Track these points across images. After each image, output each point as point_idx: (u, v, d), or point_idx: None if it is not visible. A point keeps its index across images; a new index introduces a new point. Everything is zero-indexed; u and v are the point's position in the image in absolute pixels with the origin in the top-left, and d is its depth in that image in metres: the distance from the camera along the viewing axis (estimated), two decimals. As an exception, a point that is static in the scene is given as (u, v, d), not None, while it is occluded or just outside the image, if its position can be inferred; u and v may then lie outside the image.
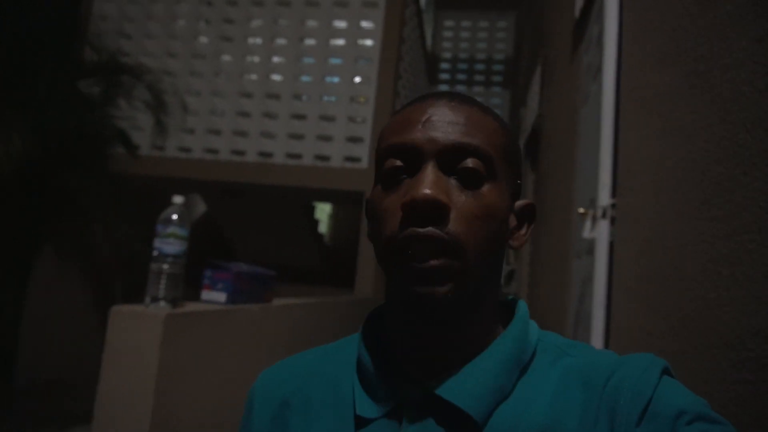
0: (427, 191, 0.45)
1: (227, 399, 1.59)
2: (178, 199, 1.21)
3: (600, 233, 1.64)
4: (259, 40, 4.58)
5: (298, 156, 4.28)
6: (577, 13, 2.55)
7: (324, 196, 5.71)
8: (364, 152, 4.29)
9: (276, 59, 4.51)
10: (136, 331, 1.06)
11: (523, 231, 0.54)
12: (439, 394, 0.47)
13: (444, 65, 8.65)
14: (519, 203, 0.54)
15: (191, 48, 4.69)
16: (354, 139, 4.32)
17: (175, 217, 1.19)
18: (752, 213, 0.84)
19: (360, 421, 0.50)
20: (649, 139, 1.34)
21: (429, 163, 0.47)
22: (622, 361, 0.47)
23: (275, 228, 5.24)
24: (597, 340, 1.63)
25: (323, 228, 7.52)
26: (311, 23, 4.53)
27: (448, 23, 8.69)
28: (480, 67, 8.56)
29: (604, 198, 1.65)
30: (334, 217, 7.95)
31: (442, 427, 0.47)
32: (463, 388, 0.47)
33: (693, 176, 1.06)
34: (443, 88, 8.57)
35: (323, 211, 7.81)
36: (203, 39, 4.71)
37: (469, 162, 0.48)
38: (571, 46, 2.73)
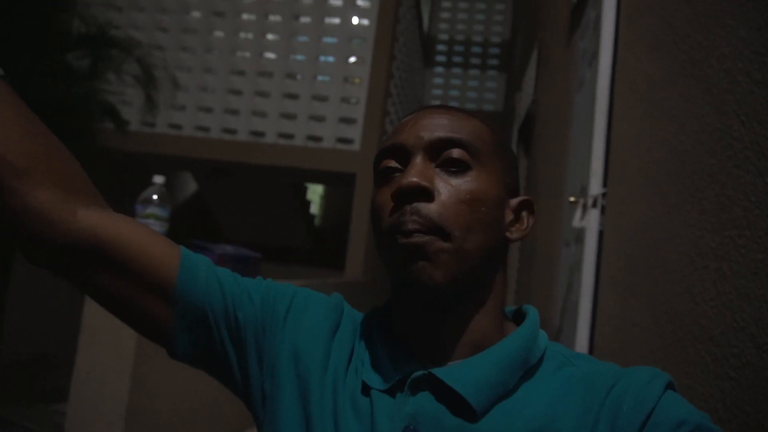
0: (413, 178, 0.49)
1: (204, 379, 1.58)
2: (158, 179, 1.18)
3: (590, 222, 1.63)
4: (252, 17, 4.49)
5: (289, 136, 4.23)
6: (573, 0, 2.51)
7: (315, 177, 5.66)
8: (356, 134, 4.25)
9: (269, 36, 4.43)
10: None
11: (524, 225, 0.55)
12: (442, 378, 0.48)
13: (440, 47, 8.54)
14: (516, 199, 0.56)
15: (182, 22, 4.59)
16: (347, 120, 4.27)
17: (155, 197, 1.16)
18: (743, 207, 0.82)
19: (365, 387, 0.52)
20: (642, 128, 1.32)
21: (417, 156, 0.51)
22: (626, 372, 0.48)
23: (265, 208, 5.21)
24: (583, 328, 1.63)
25: (314, 209, 7.48)
26: (306, 1, 4.44)
27: (446, 4, 8.57)
28: (476, 50, 8.46)
29: (596, 187, 1.64)
30: (326, 198, 7.90)
31: (441, 410, 0.48)
32: (465, 375, 0.49)
33: (684, 167, 1.04)
34: (438, 70, 8.48)
35: (315, 192, 7.77)
36: (195, 13, 4.61)
37: (455, 152, 0.51)
38: (568, 30, 2.69)
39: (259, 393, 0.56)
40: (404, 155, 0.52)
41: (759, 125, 0.81)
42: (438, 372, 0.49)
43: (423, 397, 0.49)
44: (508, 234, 0.54)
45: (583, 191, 1.77)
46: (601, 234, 1.59)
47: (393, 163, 0.53)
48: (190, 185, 5.91)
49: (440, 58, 8.40)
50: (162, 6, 4.62)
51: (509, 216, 0.55)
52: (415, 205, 0.49)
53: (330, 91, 4.36)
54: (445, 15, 8.49)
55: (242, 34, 4.51)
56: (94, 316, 1.08)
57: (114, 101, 4.47)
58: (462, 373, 0.49)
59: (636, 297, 1.25)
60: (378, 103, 4.32)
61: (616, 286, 1.42)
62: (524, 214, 0.56)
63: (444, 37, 8.45)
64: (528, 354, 0.51)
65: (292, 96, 4.31)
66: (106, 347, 1.06)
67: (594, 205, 1.60)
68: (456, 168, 0.51)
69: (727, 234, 0.85)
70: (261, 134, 4.26)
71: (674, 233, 1.06)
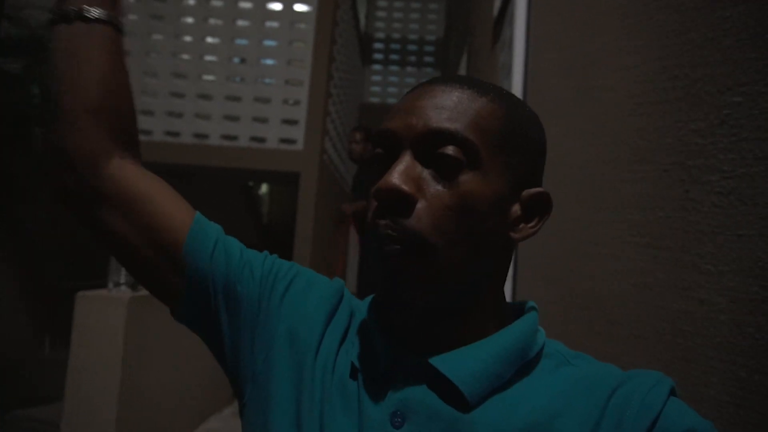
0: (392, 180, 0.44)
1: (191, 374, 1.73)
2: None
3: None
4: (191, 20, 4.53)
5: (233, 137, 4.33)
6: (495, 11, 2.77)
7: (260, 176, 5.76)
8: (299, 134, 4.40)
9: (210, 40, 4.50)
10: (102, 314, 1.18)
11: (531, 223, 0.50)
12: (435, 366, 0.46)
13: (377, 45, 8.76)
14: (529, 191, 0.50)
15: (119, 24, 4.57)
16: (290, 122, 4.41)
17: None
18: (611, 207, 1.10)
19: (353, 369, 0.50)
20: (556, 139, 1.59)
21: (405, 151, 0.46)
22: (629, 375, 0.46)
23: (213, 207, 5.25)
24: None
25: (261, 207, 7.55)
26: (245, 4, 4.53)
27: (381, 3, 8.78)
28: (413, 48, 8.74)
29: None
30: (272, 197, 7.97)
31: (432, 398, 0.46)
32: (459, 364, 0.46)
33: (588, 173, 1.31)
34: (377, 68, 8.70)
35: (262, 191, 7.82)
36: (132, 16, 4.59)
37: (448, 149, 0.45)
38: (491, 41, 2.96)
39: (248, 370, 0.54)
40: (393, 144, 0.48)
41: (620, 145, 1.08)
42: (431, 360, 0.47)
43: (414, 383, 0.47)
44: (512, 234, 0.49)
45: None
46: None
47: (381, 152, 0.49)
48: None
49: (378, 56, 8.62)
50: (97, 8, 4.58)
51: (516, 213, 0.49)
52: (386, 222, 0.44)
53: (272, 92, 4.48)
54: (381, 14, 8.71)
55: (183, 38, 4.55)
56: (84, 317, 1.22)
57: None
58: (456, 361, 0.46)
59: (549, 281, 1.52)
60: (319, 104, 4.49)
61: (534, 273, 1.69)
62: (536, 209, 0.51)
63: (381, 35, 8.68)
64: (525, 348, 0.48)
65: (235, 98, 4.41)
66: (96, 346, 1.20)
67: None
68: (448, 167, 0.46)
69: (618, 227, 1.12)
70: (205, 136, 4.33)
71: (579, 224, 1.33)
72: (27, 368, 3.15)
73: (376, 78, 8.71)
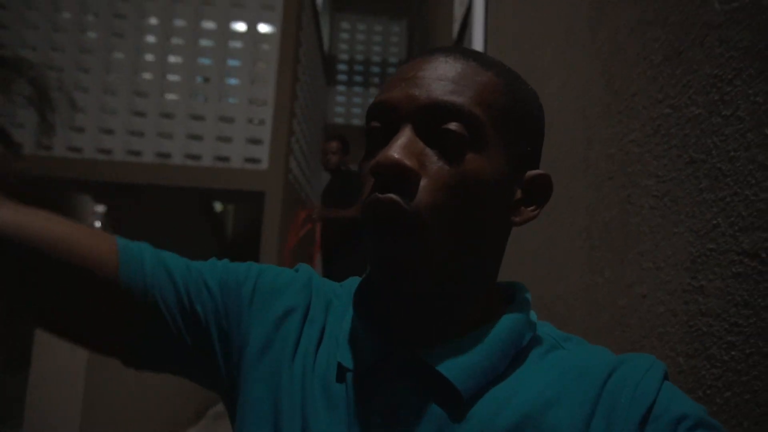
0: (393, 155, 0.41)
1: (161, 384, 1.70)
2: (100, 208, 1.33)
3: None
4: (153, 38, 4.52)
5: (197, 157, 4.31)
6: (454, 34, 2.89)
7: (224, 196, 5.72)
8: (263, 153, 4.42)
9: (172, 59, 4.49)
10: None
11: (531, 207, 0.48)
12: (428, 361, 0.44)
13: (341, 66, 8.88)
14: (531, 173, 0.48)
15: (78, 42, 4.52)
16: (254, 141, 4.43)
17: (97, 224, 1.31)
18: (559, 211, 1.17)
19: (340, 368, 0.47)
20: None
21: (405, 126, 0.43)
22: (621, 359, 0.45)
23: (174, 226, 5.18)
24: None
25: (223, 227, 7.46)
26: (208, 24, 4.56)
27: (344, 25, 8.94)
28: (376, 69, 8.90)
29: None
30: (235, 215, 7.90)
31: (425, 395, 0.44)
32: (453, 359, 0.44)
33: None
34: (341, 89, 8.82)
35: (224, 210, 7.74)
36: (92, 33, 4.55)
37: (451, 125, 0.42)
38: (452, 63, 3.06)
39: (227, 382, 0.51)
40: (392, 116, 0.44)
41: (567, 154, 1.16)
42: (423, 355, 0.44)
43: (405, 379, 0.45)
44: (513, 217, 0.47)
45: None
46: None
47: (377, 125, 0.45)
48: (87, 209, 5.73)
49: (342, 77, 8.75)
50: (56, 25, 4.52)
51: (517, 195, 0.47)
52: (389, 196, 0.41)
53: (236, 112, 4.49)
54: (344, 36, 8.87)
55: (144, 55, 4.53)
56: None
57: (3, 123, 4.28)
58: (450, 357, 0.44)
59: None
60: (284, 123, 4.53)
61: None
62: (536, 192, 0.48)
63: (344, 57, 8.81)
64: (519, 337, 0.46)
65: (199, 117, 4.40)
66: (60, 353, 1.19)
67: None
68: (451, 144, 0.43)
69: (569, 230, 1.19)
70: (168, 155, 4.30)
71: (526, 228, 1.40)
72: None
73: (341, 99, 8.82)
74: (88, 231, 0.48)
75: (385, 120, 0.45)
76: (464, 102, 0.43)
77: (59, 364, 1.18)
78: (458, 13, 2.84)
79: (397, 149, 0.41)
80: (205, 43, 4.52)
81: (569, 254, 1.13)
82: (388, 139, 0.44)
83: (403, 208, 0.41)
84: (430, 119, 0.43)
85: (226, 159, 4.35)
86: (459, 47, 0.48)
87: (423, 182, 0.42)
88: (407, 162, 0.41)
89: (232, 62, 4.55)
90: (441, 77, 0.44)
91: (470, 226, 0.44)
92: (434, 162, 0.43)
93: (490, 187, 0.44)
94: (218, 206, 7.50)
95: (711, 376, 0.67)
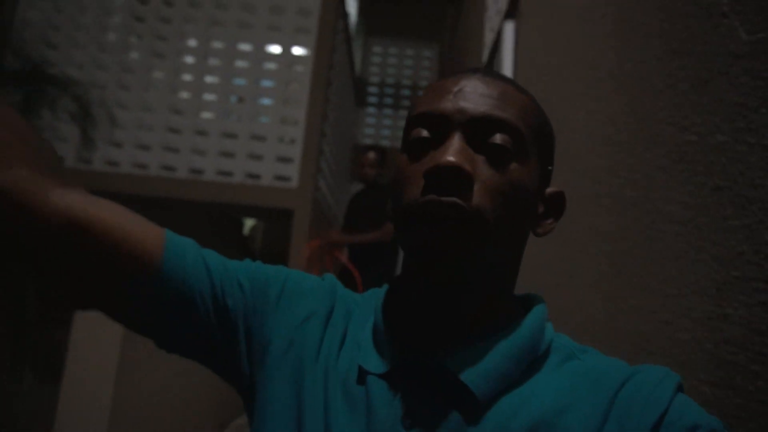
0: (451, 158, 0.43)
1: (188, 392, 1.74)
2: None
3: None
4: (192, 59, 4.68)
5: (228, 173, 4.41)
6: (484, 58, 2.92)
7: (254, 213, 5.82)
8: (293, 172, 4.50)
9: (208, 79, 4.63)
10: (100, 329, 1.21)
11: (549, 221, 0.52)
12: (447, 366, 0.45)
13: (372, 89, 9.02)
14: (549, 190, 0.52)
15: (121, 62, 4.72)
16: (284, 159, 4.51)
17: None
18: (583, 239, 1.17)
19: (361, 371, 0.49)
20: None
21: (456, 133, 0.46)
22: (636, 369, 0.46)
23: (204, 241, 5.28)
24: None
25: (253, 243, 7.58)
26: (244, 46, 4.70)
27: (377, 49, 9.09)
28: (406, 92, 9.00)
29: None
30: (264, 233, 8.02)
31: (441, 400, 0.45)
32: (471, 365, 0.45)
33: (568, 212, 1.39)
34: (371, 110, 8.93)
35: (254, 227, 7.86)
36: (134, 54, 4.74)
37: (498, 138, 0.46)
38: (481, 87, 3.09)
39: (247, 380, 0.54)
40: (442, 126, 0.46)
41: (591, 181, 1.16)
42: (442, 359, 0.46)
43: (424, 384, 0.46)
44: (537, 229, 0.51)
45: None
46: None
47: (425, 133, 0.47)
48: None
49: (372, 100, 8.87)
50: (101, 45, 4.73)
51: (540, 208, 0.51)
52: (452, 199, 0.43)
53: (267, 131, 4.59)
54: (375, 59, 9.02)
55: (181, 75, 4.69)
56: (81, 333, 1.25)
57: (49, 138, 4.47)
58: (468, 362, 0.45)
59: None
60: (314, 143, 4.61)
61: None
62: (554, 208, 0.52)
63: (375, 79, 8.95)
64: (535, 345, 0.48)
65: (231, 135, 4.51)
66: (92, 361, 1.23)
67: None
68: (499, 155, 0.46)
69: (594, 258, 1.19)
70: (200, 172, 4.41)
71: (545, 259, 1.39)
72: (4, 403, 3.09)
73: (370, 120, 8.93)
74: (142, 222, 0.52)
75: (435, 128, 0.47)
76: (509, 117, 0.46)
77: (90, 372, 1.23)
78: (488, 39, 2.87)
79: (454, 153, 0.44)
80: (240, 64, 4.66)
81: (591, 282, 1.12)
82: (435, 147, 0.46)
83: (464, 208, 0.43)
84: (479, 130, 0.46)
85: (256, 176, 4.44)
86: (492, 70, 0.52)
87: (476, 186, 0.44)
88: (466, 166, 0.43)
89: (266, 83, 4.67)
90: (485, 94, 0.47)
91: (514, 230, 0.47)
92: (485, 168, 0.45)
93: (529, 195, 0.48)
94: (247, 228, 7.64)
95: (735, 406, 0.66)
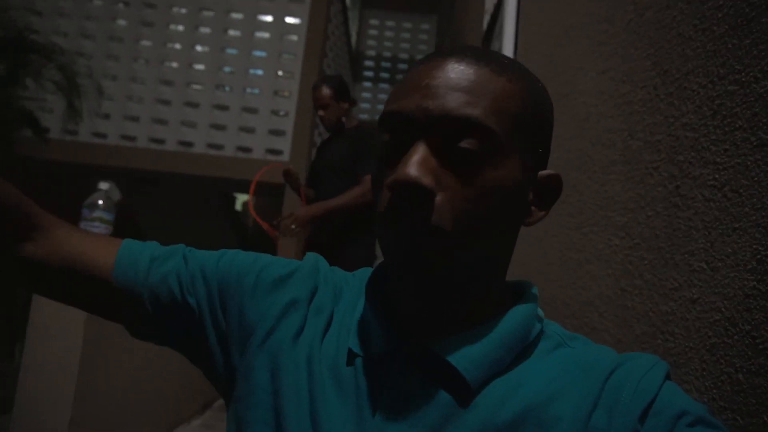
0: (411, 172, 0.42)
1: (157, 380, 1.66)
2: (104, 185, 1.28)
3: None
4: (181, 27, 4.51)
5: (219, 147, 4.29)
6: (484, 26, 2.79)
7: (244, 187, 5.70)
8: (286, 145, 4.37)
9: (199, 48, 4.47)
10: (61, 311, 1.11)
11: (542, 213, 0.50)
12: (438, 351, 0.45)
13: (368, 62, 8.83)
14: (542, 174, 0.49)
15: (109, 30, 4.55)
16: (276, 132, 4.38)
17: (100, 202, 1.26)
18: (592, 210, 1.06)
19: (351, 354, 0.49)
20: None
21: (419, 141, 0.43)
22: (626, 357, 0.46)
23: (193, 216, 5.19)
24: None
25: (246, 218, 7.47)
26: (236, 15, 4.53)
27: (373, 22, 8.88)
28: (403, 66, 8.82)
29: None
30: (257, 209, 7.93)
31: (434, 383, 0.45)
32: (462, 350, 0.45)
33: (573, 182, 1.28)
34: (367, 85, 8.75)
35: (244, 201, 7.76)
36: (121, 21, 4.57)
37: (465, 143, 0.43)
38: (481, 56, 2.96)
39: (224, 370, 0.54)
40: (406, 128, 0.44)
41: (603, 147, 1.05)
42: (434, 344, 0.46)
43: (415, 368, 0.46)
44: (525, 218, 0.49)
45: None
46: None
47: (387, 138, 0.46)
48: (113, 195, 5.76)
49: (368, 74, 8.68)
50: (87, 13, 4.55)
51: (530, 196, 0.48)
52: (410, 208, 0.42)
53: (260, 103, 4.46)
54: (372, 32, 8.80)
55: (170, 45, 4.53)
56: (41, 312, 1.15)
57: (32, 108, 4.33)
58: (459, 347, 0.45)
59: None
60: (307, 116, 4.47)
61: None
62: (547, 192, 0.50)
63: (372, 53, 8.75)
64: (527, 332, 0.48)
65: (222, 107, 4.38)
66: (54, 343, 1.14)
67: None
68: (466, 159, 0.43)
69: (584, 231, 1.09)
70: (190, 144, 4.28)
71: (550, 233, 1.29)
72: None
73: (367, 95, 8.76)
74: (100, 240, 0.57)
75: (399, 132, 0.45)
76: (478, 115, 0.43)
77: (53, 347, 1.13)
78: (489, 4, 2.73)
79: (413, 166, 0.42)
80: (232, 33, 4.49)
81: (602, 256, 1.02)
82: (402, 151, 0.44)
83: (423, 224, 0.42)
84: (444, 133, 0.43)
85: (248, 150, 4.32)
86: (471, 48, 0.48)
87: (440, 197, 0.43)
88: (424, 180, 0.42)
89: (258, 53, 4.52)
90: (454, 87, 0.44)
91: (486, 233, 0.45)
92: (449, 177, 0.44)
93: (505, 196, 0.45)
94: (239, 203, 7.52)
95: (777, 398, 0.57)
